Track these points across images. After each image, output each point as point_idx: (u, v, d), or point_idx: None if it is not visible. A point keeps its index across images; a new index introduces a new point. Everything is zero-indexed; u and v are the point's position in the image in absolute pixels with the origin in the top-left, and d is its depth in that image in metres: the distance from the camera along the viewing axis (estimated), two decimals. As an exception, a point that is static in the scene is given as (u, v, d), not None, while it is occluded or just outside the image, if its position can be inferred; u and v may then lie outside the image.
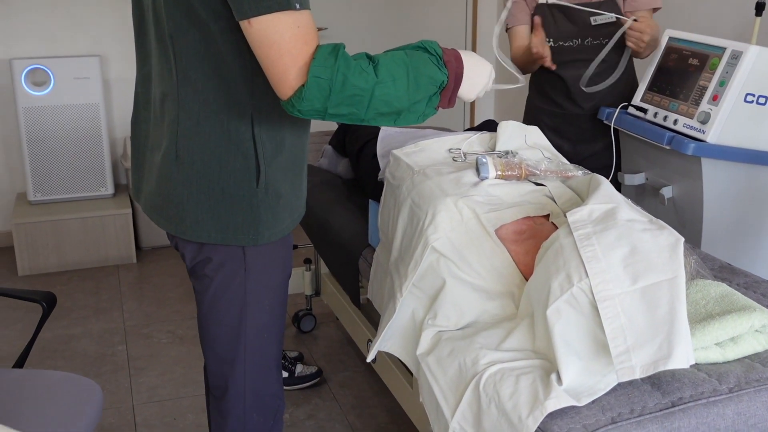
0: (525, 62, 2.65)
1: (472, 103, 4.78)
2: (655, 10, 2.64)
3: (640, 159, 2.60)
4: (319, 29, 4.23)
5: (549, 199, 1.94)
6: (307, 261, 3.16)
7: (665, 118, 2.43)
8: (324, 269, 3.06)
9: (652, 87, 2.53)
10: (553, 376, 1.46)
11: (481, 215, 1.82)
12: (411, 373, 1.89)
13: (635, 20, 2.51)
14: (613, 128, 2.60)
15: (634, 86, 2.70)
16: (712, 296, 1.67)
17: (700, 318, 1.60)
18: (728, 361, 1.57)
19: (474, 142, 2.25)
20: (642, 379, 1.50)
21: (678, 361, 1.40)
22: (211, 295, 1.67)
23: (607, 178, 1.89)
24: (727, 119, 2.27)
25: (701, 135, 2.29)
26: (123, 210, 3.92)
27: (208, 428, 1.88)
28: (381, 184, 2.22)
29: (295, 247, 3.09)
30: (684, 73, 2.42)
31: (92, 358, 3.06)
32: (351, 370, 2.97)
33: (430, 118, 1.59)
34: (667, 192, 2.49)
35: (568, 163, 2.12)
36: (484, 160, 1.97)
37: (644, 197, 2.63)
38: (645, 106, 2.53)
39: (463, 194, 1.87)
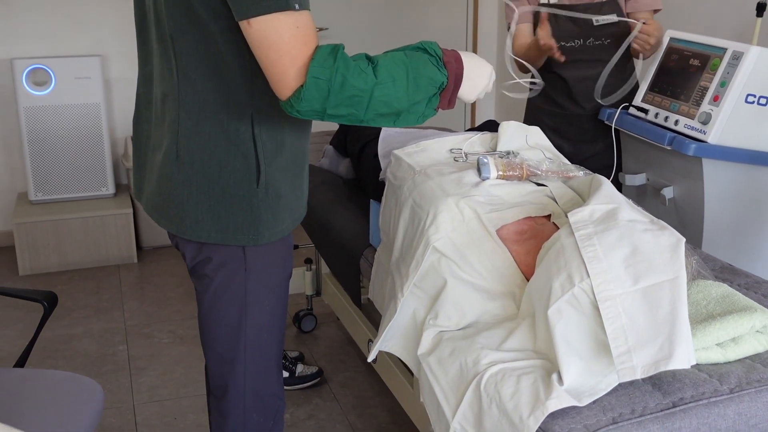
0: (529, 59, 2.63)
1: (473, 104, 4.78)
2: (655, 11, 2.64)
3: (641, 159, 2.60)
4: (320, 29, 4.23)
5: (550, 200, 1.95)
6: (308, 261, 3.16)
7: (666, 118, 2.43)
8: (325, 269, 3.06)
9: (653, 87, 2.53)
10: (554, 377, 1.47)
11: (482, 215, 1.82)
12: (412, 373, 1.90)
13: (644, 23, 2.49)
14: (614, 129, 2.60)
15: (635, 87, 2.70)
16: (713, 297, 1.67)
17: (701, 318, 1.60)
18: (729, 362, 1.57)
19: (475, 142, 2.25)
20: (643, 380, 1.50)
21: (679, 361, 1.40)
22: (212, 294, 1.67)
23: (608, 179, 1.89)
24: (728, 120, 2.27)
25: (702, 135, 2.30)
26: (124, 210, 3.92)
27: (209, 428, 1.88)
28: (382, 184, 2.22)
29: (296, 247, 3.09)
30: (685, 73, 2.42)
31: (93, 358, 3.07)
32: (352, 370, 2.97)
33: (431, 118, 1.59)
34: (668, 192, 2.49)
35: (569, 163, 2.13)
36: (485, 160, 1.97)
37: (645, 198, 2.63)
38: (646, 106, 2.53)
39: (464, 194, 1.87)
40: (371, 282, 2.14)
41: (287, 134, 1.59)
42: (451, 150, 2.20)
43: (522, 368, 1.52)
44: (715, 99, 2.28)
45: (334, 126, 2.98)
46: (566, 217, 1.73)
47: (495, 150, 2.18)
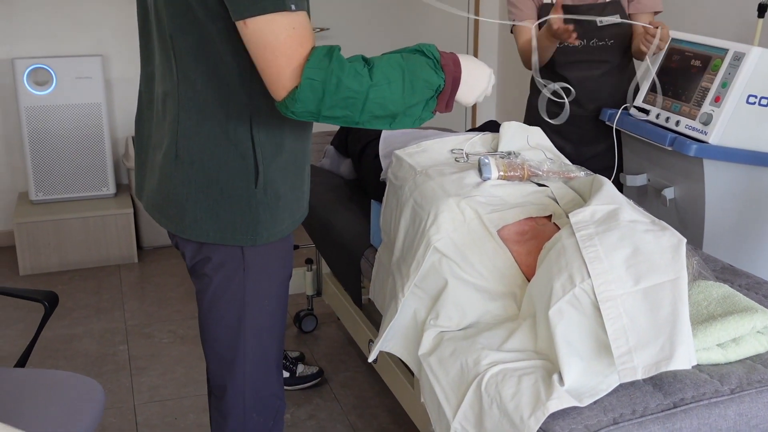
0: (539, 51, 2.58)
1: (474, 104, 4.78)
2: (656, 13, 2.65)
3: (642, 160, 2.60)
4: (321, 29, 4.23)
5: (551, 200, 1.95)
6: (309, 261, 3.16)
7: (667, 119, 2.43)
8: (325, 269, 3.06)
9: (655, 88, 2.52)
10: (555, 377, 1.47)
11: (483, 216, 1.82)
12: (412, 374, 1.90)
13: (658, 28, 2.47)
14: (615, 129, 2.60)
15: (636, 87, 2.70)
16: (714, 297, 1.67)
17: (702, 319, 1.60)
18: (730, 362, 1.57)
19: (476, 142, 2.25)
20: (644, 380, 1.50)
21: (680, 362, 1.40)
22: (211, 294, 1.67)
23: (609, 179, 1.89)
24: (729, 120, 2.27)
25: (703, 136, 2.29)
26: (124, 210, 3.92)
27: (210, 428, 1.88)
28: (383, 185, 2.22)
29: (297, 247, 3.09)
30: (686, 74, 2.42)
31: (93, 358, 3.07)
32: (352, 370, 2.97)
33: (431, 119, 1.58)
34: (669, 193, 2.49)
35: (570, 164, 2.13)
36: (486, 160, 1.97)
37: (646, 198, 2.63)
38: (647, 107, 2.53)
39: (465, 195, 1.87)
40: (372, 282, 2.14)
41: (287, 135, 1.59)
42: (452, 150, 2.20)
43: (523, 369, 1.52)
44: (717, 100, 2.28)
45: (335, 126, 2.97)
46: (567, 217, 1.73)
47: (496, 150, 2.18)
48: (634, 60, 2.75)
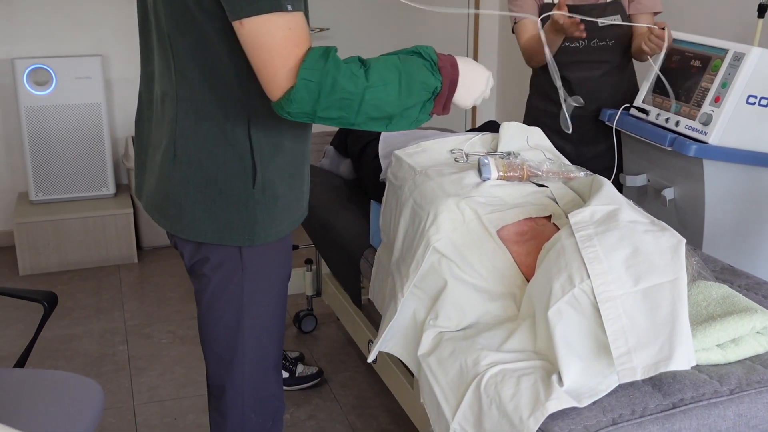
0: (539, 51, 2.57)
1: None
2: (656, 14, 2.64)
3: (641, 160, 2.60)
4: (321, 29, 4.23)
5: (551, 201, 1.94)
6: (309, 261, 3.16)
7: (667, 119, 2.43)
8: (325, 269, 3.06)
9: (655, 88, 2.52)
10: (554, 377, 1.47)
11: (482, 216, 1.82)
12: (412, 374, 1.89)
13: (663, 29, 2.46)
14: (615, 130, 2.60)
15: (635, 88, 2.70)
16: (714, 298, 1.67)
17: (701, 319, 1.60)
18: (729, 363, 1.57)
19: (476, 142, 2.25)
20: (643, 381, 1.50)
21: (679, 362, 1.40)
22: (210, 294, 1.67)
23: (609, 180, 1.89)
24: (729, 121, 2.27)
25: (703, 137, 2.29)
26: (124, 210, 3.92)
27: (209, 428, 1.88)
28: (383, 185, 2.22)
29: (297, 247, 3.09)
30: (686, 74, 2.42)
31: (93, 358, 3.07)
32: (352, 370, 2.97)
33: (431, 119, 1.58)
34: (668, 193, 2.48)
35: (570, 164, 2.12)
36: (486, 161, 1.97)
37: (646, 199, 2.63)
38: (647, 107, 2.52)
39: (465, 195, 1.87)
40: (371, 282, 2.14)
41: (285, 136, 1.58)
42: (451, 150, 2.20)
43: (522, 369, 1.52)
44: (716, 100, 2.28)
45: (334, 127, 2.97)
46: (567, 218, 1.73)
47: (496, 151, 2.17)
48: (633, 60, 2.75)
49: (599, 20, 2.57)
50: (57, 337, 3.20)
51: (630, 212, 1.70)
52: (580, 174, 2.03)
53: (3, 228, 4.15)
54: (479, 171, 1.97)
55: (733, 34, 2.93)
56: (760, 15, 2.54)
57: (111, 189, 4.02)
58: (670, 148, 2.35)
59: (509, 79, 4.55)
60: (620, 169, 2.68)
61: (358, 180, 2.70)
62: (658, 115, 2.47)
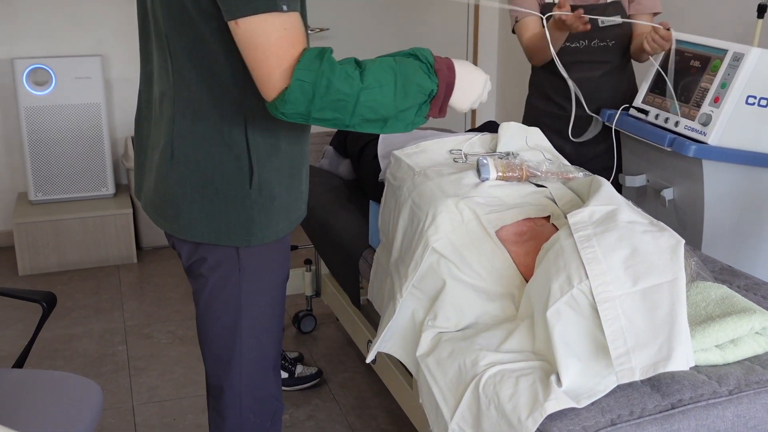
0: (541, 48, 2.58)
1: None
2: (655, 14, 2.64)
3: (641, 161, 2.60)
4: (320, 29, 4.23)
5: (550, 201, 1.94)
6: (308, 262, 3.16)
7: (666, 119, 2.43)
8: (324, 270, 3.06)
9: (654, 89, 2.52)
10: (553, 378, 1.46)
11: (481, 216, 1.82)
12: (411, 374, 1.89)
13: (668, 30, 2.46)
14: (615, 130, 2.60)
15: (635, 88, 2.70)
16: (713, 298, 1.67)
17: (700, 320, 1.60)
18: (728, 363, 1.57)
19: (475, 143, 2.25)
20: (642, 381, 1.50)
21: (678, 363, 1.40)
22: (207, 295, 1.67)
23: (609, 180, 1.89)
24: (729, 121, 2.27)
25: (702, 137, 2.29)
26: (124, 210, 3.92)
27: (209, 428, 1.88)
28: (382, 185, 2.22)
29: (296, 247, 3.09)
30: (686, 75, 2.42)
31: (92, 358, 3.06)
32: (351, 370, 2.97)
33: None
34: (668, 194, 2.48)
35: (569, 164, 2.12)
36: (485, 161, 1.97)
37: (645, 199, 2.63)
38: (646, 107, 2.52)
39: (463, 195, 1.86)
40: (370, 283, 2.14)
41: (282, 136, 1.58)
42: (450, 151, 2.20)
43: (521, 369, 1.51)
44: (716, 100, 2.28)
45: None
46: (566, 218, 1.73)
47: (495, 151, 2.17)
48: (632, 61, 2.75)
49: (600, 19, 2.57)
50: (56, 338, 3.20)
51: (629, 213, 1.70)
52: (579, 174, 2.03)
53: (2, 228, 4.15)
54: (478, 171, 1.97)
55: (733, 35, 2.93)
56: (760, 15, 2.54)
57: (110, 189, 4.02)
58: (669, 149, 2.35)
59: (509, 79, 4.55)
60: (619, 170, 2.68)
61: (358, 180, 2.70)
62: (658, 115, 2.47)
